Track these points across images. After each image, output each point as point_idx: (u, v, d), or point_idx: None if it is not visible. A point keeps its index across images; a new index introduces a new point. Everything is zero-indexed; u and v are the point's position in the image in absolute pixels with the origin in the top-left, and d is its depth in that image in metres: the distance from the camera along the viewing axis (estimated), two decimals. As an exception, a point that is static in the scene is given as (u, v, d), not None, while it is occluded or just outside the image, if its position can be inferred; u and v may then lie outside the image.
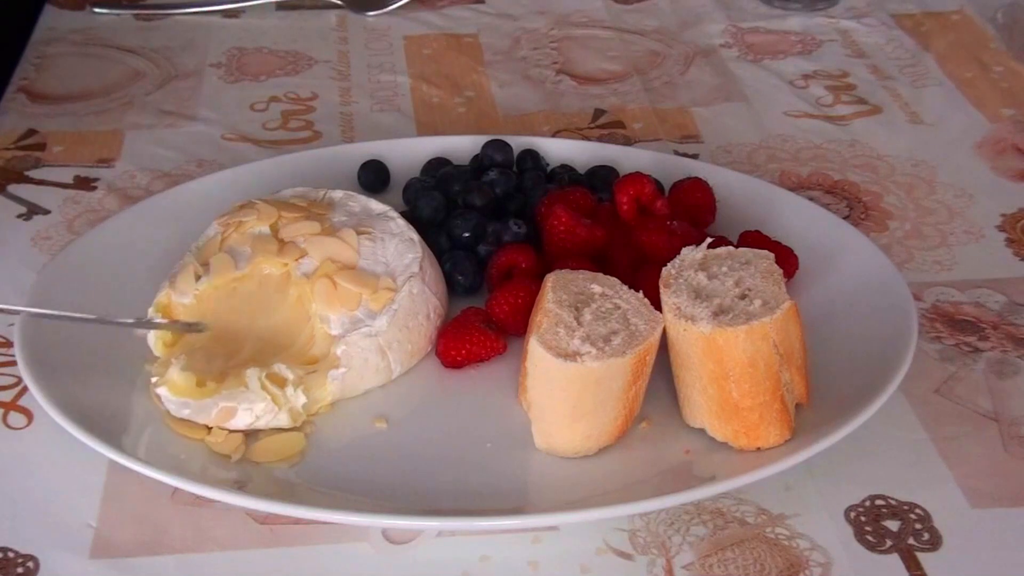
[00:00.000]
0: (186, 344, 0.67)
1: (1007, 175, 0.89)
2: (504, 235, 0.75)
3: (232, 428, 0.63)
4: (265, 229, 0.70)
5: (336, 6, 1.12)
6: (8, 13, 1.11)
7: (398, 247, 0.70)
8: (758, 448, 0.61)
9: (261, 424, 0.63)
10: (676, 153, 0.90)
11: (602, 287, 0.65)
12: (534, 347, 0.61)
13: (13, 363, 0.67)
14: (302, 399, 0.64)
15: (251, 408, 0.63)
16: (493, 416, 0.66)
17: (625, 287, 0.65)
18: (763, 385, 0.60)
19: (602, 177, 0.81)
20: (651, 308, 0.63)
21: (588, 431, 0.62)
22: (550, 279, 0.65)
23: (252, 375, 0.63)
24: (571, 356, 0.60)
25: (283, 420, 0.64)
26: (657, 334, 0.62)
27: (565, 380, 0.60)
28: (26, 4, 1.12)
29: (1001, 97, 0.99)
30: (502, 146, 0.84)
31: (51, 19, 1.09)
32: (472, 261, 0.75)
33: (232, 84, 1.01)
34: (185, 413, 0.63)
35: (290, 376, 0.64)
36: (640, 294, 0.64)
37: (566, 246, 0.73)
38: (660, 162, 0.84)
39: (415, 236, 0.72)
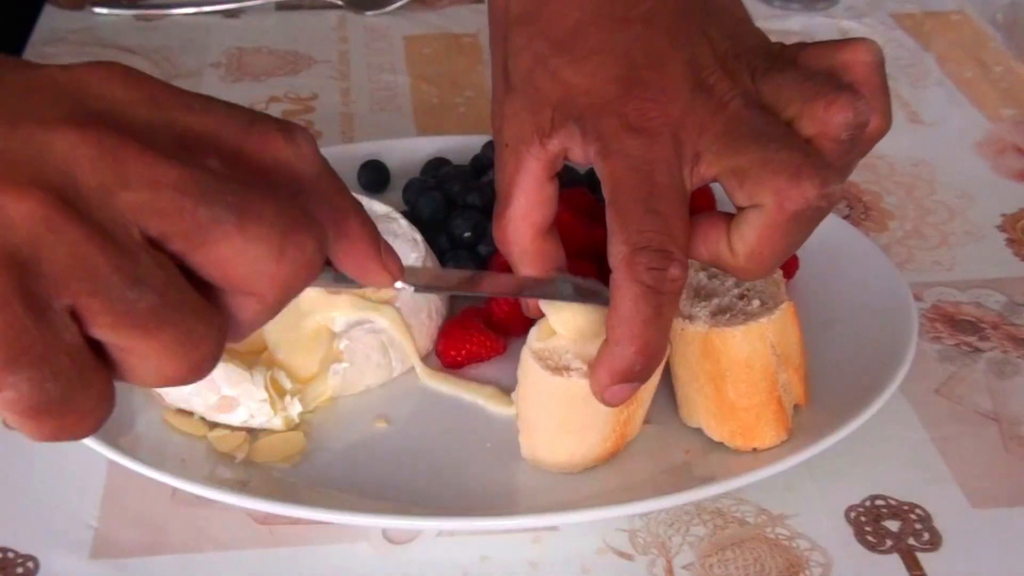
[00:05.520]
0: None
1: (1007, 175, 0.89)
2: (504, 235, 0.75)
3: (225, 422, 0.63)
4: None
5: (336, 6, 1.12)
6: (8, 13, 1.11)
7: (401, 247, 0.70)
8: (754, 449, 0.61)
9: (255, 423, 0.64)
10: (676, 153, 0.90)
11: None
12: (525, 356, 0.60)
13: (13, 363, 0.67)
14: (298, 408, 0.64)
15: (249, 406, 0.63)
16: (493, 416, 0.66)
17: None
18: (759, 385, 0.60)
19: (602, 177, 0.81)
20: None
21: (573, 448, 0.61)
22: None
23: (259, 374, 0.63)
24: (559, 371, 0.59)
25: (277, 423, 0.64)
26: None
27: (551, 394, 0.59)
28: (26, 4, 1.12)
29: (1001, 97, 0.99)
30: (502, 146, 0.84)
31: (51, 19, 1.09)
32: (473, 261, 0.75)
33: (232, 84, 1.01)
34: (183, 394, 0.63)
35: (288, 386, 0.65)
36: None
37: (566, 246, 0.73)
38: (660, 162, 0.84)
39: (418, 237, 0.72)
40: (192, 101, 0.38)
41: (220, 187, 0.36)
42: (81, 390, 0.36)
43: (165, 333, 0.36)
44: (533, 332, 0.61)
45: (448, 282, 0.52)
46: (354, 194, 0.73)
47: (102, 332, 0.36)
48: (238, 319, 0.39)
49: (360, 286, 0.44)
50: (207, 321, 0.37)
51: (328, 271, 0.42)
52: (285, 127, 0.40)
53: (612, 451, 0.62)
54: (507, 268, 0.73)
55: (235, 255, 0.37)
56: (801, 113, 0.54)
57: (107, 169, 0.35)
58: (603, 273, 0.72)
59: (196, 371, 0.37)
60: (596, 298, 0.58)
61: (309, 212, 0.39)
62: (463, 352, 0.69)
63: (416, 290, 0.47)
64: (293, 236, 0.37)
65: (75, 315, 0.35)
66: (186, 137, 0.37)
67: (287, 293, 0.38)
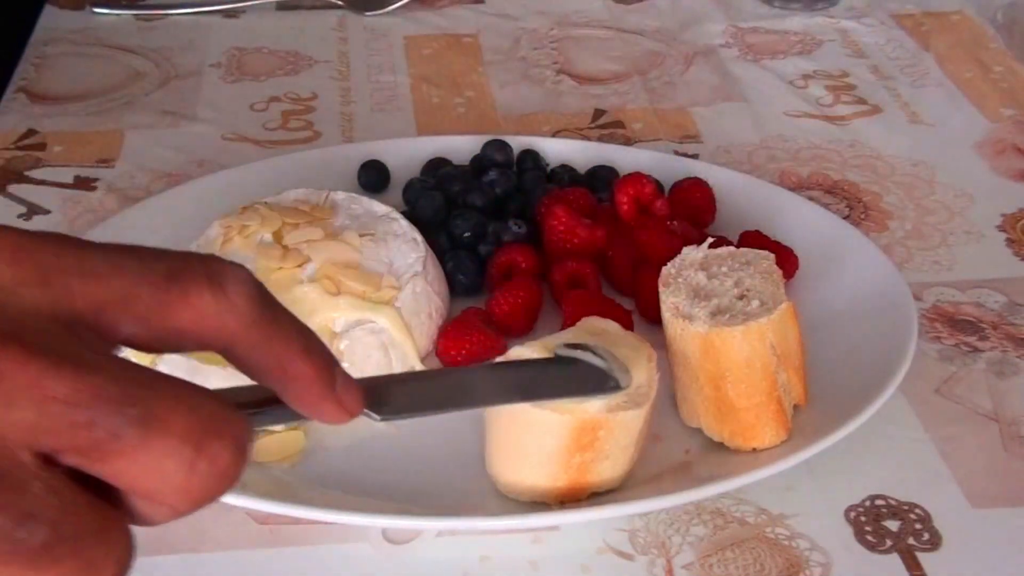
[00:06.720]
0: None
1: (1007, 175, 0.89)
2: (504, 235, 0.75)
3: None
4: (267, 236, 0.70)
5: (336, 6, 1.12)
6: (8, 13, 1.11)
7: (401, 247, 0.70)
8: (754, 448, 0.61)
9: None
10: (676, 153, 0.90)
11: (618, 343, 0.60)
12: None
13: (13, 363, 0.67)
14: None
15: None
16: (493, 416, 0.66)
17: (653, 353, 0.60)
18: (759, 386, 0.60)
19: (602, 177, 0.81)
20: (653, 384, 0.58)
21: (518, 474, 0.59)
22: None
23: None
24: None
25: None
26: (622, 414, 0.56)
27: (499, 411, 0.58)
28: (26, 4, 1.12)
29: (1001, 97, 0.99)
30: (502, 146, 0.84)
31: (51, 19, 1.09)
32: (474, 261, 0.75)
33: (232, 84, 1.01)
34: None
35: None
36: (653, 366, 0.59)
37: (566, 246, 0.73)
38: (660, 162, 0.84)
39: (418, 237, 0.72)
40: (95, 264, 0.34)
41: (120, 394, 0.31)
42: None
43: (60, 567, 0.32)
44: (512, 351, 0.60)
45: (424, 401, 0.46)
46: (353, 194, 0.75)
47: None
48: (148, 519, 0.34)
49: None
50: (108, 544, 0.33)
51: (284, 410, 0.38)
52: (213, 275, 0.34)
53: (566, 494, 0.58)
54: (507, 268, 0.73)
55: (139, 471, 0.32)
56: None
57: None
58: (605, 274, 0.73)
59: None
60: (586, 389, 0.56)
61: (228, 408, 0.34)
62: (463, 352, 0.69)
63: (383, 419, 0.41)
64: (207, 447, 0.33)
65: None
66: (87, 314, 0.33)
67: (201, 503, 0.34)
